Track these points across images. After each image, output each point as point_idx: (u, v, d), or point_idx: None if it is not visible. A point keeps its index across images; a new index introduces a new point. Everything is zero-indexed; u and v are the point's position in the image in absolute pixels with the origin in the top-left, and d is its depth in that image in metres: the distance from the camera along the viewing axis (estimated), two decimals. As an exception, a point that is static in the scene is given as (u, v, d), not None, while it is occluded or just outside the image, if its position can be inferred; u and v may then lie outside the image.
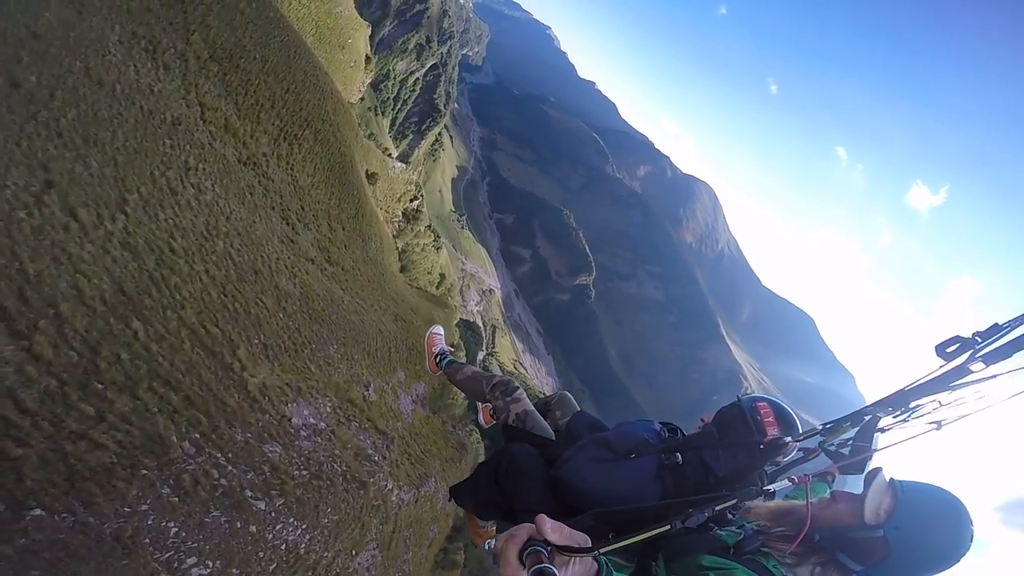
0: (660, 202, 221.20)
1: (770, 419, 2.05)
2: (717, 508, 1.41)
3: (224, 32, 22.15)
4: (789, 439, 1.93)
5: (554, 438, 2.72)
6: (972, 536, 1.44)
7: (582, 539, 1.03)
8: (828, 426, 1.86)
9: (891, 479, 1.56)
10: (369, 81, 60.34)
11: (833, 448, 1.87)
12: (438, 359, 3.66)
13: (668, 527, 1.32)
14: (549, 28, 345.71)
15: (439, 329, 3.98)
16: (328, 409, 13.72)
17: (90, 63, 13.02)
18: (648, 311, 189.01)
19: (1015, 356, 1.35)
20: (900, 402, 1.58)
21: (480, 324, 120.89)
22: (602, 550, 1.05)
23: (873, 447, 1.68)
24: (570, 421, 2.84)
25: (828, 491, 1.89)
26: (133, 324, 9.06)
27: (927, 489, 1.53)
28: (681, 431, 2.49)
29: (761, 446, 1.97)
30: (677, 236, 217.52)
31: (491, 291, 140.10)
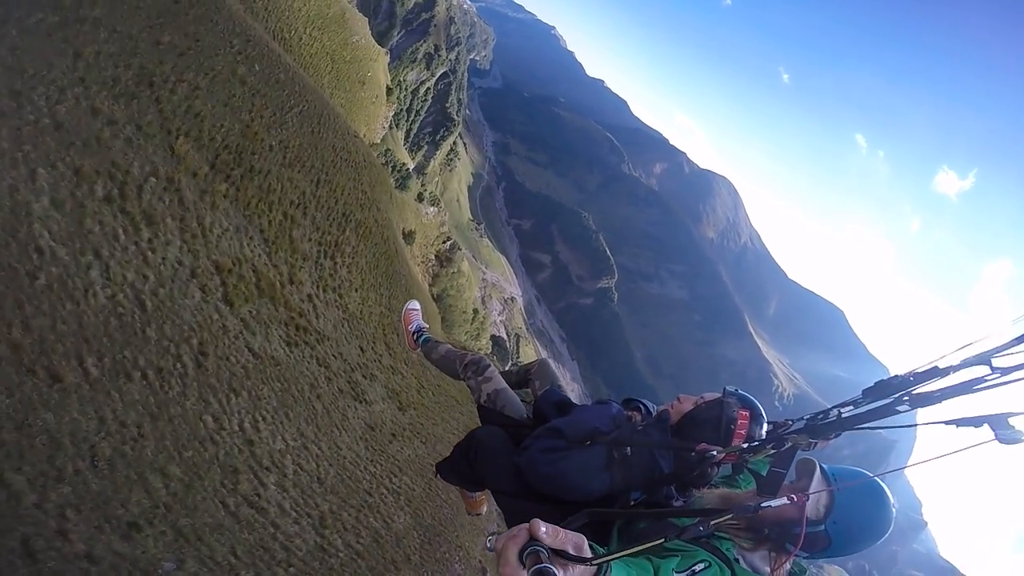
0: (679, 199, 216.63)
1: (742, 432, 2.08)
2: (714, 522, 1.48)
3: (222, 120, 15.80)
4: (715, 453, 2.00)
5: (527, 415, 2.69)
6: (894, 515, 1.69)
7: (577, 541, 1.04)
8: (753, 445, 1.93)
9: (822, 471, 1.72)
10: (392, 114, 58.51)
11: (754, 466, 1.98)
12: (416, 336, 3.54)
13: (663, 540, 1.36)
14: (554, 28, 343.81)
15: (416, 304, 3.82)
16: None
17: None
18: (673, 311, 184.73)
19: (945, 403, 1.38)
20: (820, 433, 1.67)
21: (504, 335, 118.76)
22: (596, 561, 1.06)
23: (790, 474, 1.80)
24: (539, 400, 2.74)
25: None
26: None
27: (852, 477, 1.72)
28: (645, 406, 2.52)
29: (693, 453, 2.03)
30: (698, 233, 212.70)
31: (512, 299, 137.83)
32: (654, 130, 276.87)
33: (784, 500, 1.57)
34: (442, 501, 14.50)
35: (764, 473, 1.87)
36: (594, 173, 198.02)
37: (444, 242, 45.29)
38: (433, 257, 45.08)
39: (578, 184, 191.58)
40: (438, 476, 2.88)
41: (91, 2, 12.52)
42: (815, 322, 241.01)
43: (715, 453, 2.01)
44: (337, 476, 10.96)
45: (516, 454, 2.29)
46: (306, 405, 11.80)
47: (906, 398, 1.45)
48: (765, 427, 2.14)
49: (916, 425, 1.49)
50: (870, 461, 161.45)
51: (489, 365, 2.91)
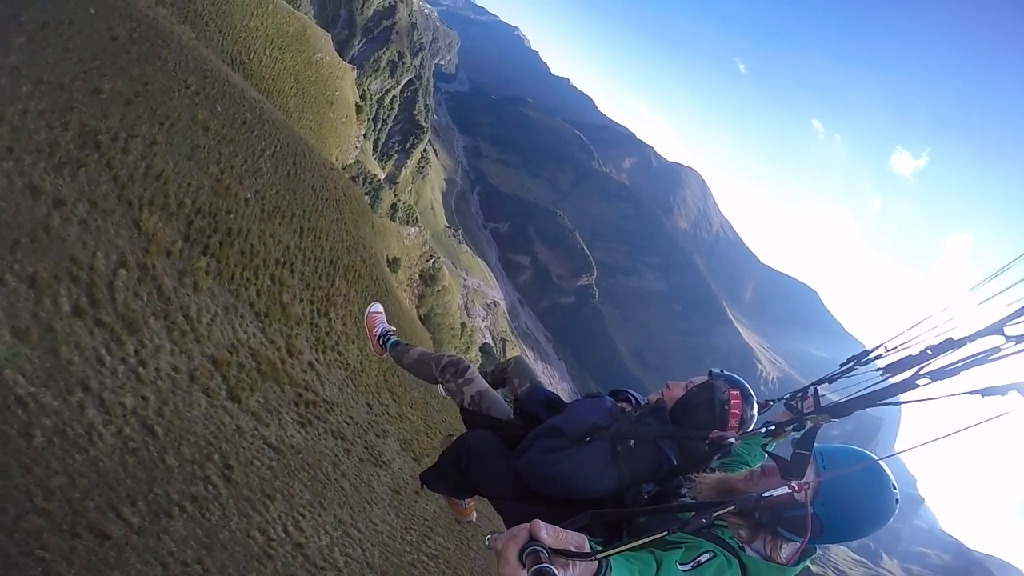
0: (649, 192, 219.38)
1: (736, 411, 2.07)
2: (716, 514, 1.42)
3: (188, 177, 13.79)
4: (732, 439, 1.99)
5: (512, 415, 2.59)
6: (896, 498, 1.56)
7: (578, 540, 1.03)
8: (772, 428, 1.91)
9: (812, 452, 1.64)
10: (363, 132, 56.69)
11: (773, 450, 1.87)
12: (381, 341, 3.34)
13: (665, 532, 1.34)
14: (517, 28, 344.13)
15: (378, 307, 3.63)
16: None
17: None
18: (653, 303, 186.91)
19: (964, 375, 1.35)
20: (840, 412, 1.65)
21: (490, 340, 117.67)
22: (599, 555, 1.06)
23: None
24: (525, 399, 2.64)
25: (765, 457, 1.85)
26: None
27: (846, 457, 1.61)
28: (635, 398, 2.44)
29: (707, 441, 2.01)
30: (671, 224, 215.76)
31: (495, 303, 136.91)
32: (621, 125, 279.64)
33: (784, 489, 1.51)
34: (474, 554, 13.80)
35: (758, 459, 1.89)
36: (566, 171, 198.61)
37: (427, 260, 44.10)
38: (417, 277, 43.83)
39: (551, 183, 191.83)
40: (423, 487, 2.72)
41: (2, 47, 10.80)
42: (791, 304, 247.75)
43: (732, 440, 1.98)
44: (382, 555, 10.04)
45: (513, 457, 2.23)
46: (335, 488, 10.71)
47: (924, 372, 1.44)
48: (756, 406, 2.14)
49: (940, 398, 1.43)
50: (858, 439, 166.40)
51: (469, 366, 2.77)
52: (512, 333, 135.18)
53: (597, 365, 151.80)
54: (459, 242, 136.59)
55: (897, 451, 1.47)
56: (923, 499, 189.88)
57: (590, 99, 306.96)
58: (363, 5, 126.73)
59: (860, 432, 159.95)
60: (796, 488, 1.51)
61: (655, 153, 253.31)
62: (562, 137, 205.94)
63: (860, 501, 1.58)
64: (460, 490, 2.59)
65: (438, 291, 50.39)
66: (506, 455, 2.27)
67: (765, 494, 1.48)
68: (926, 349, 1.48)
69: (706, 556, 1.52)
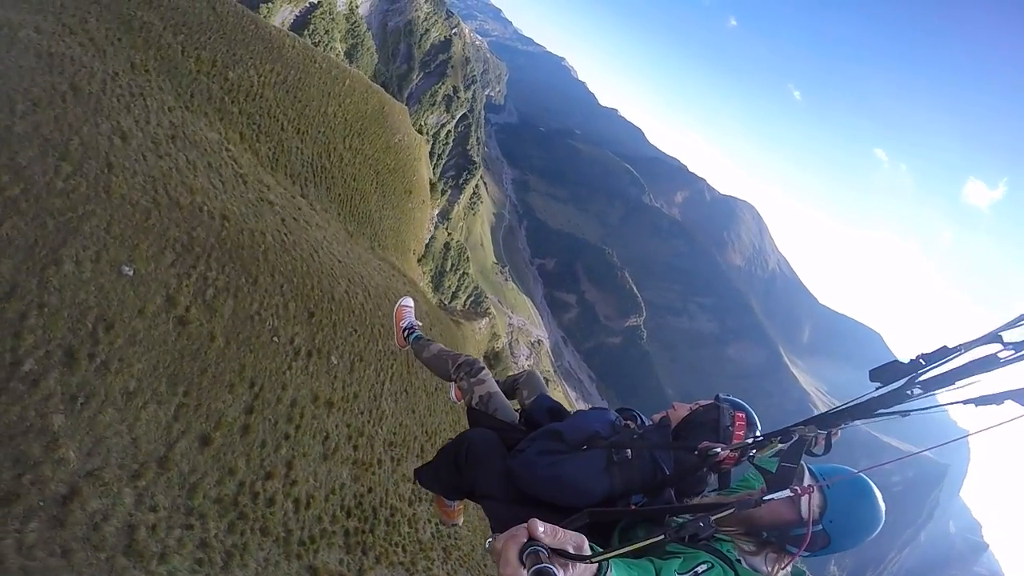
0: (702, 227, 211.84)
1: (740, 433, 2.08)
2: (714, 518, 1.46)
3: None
4: (719, 449, 1.97)
5: (518, 421, 2.64)
6: (883, 508, 1.71)
7: (577, 540, 1.03)
8: (759, 440, 1.89)
9: (810, 472, 1.72)
10: (438, 211, 55.78)
11: (760, 461, 1.91)
12: (406, 333, 3.52)
13: (663, 536, 1.36)
14: (564, 59, 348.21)
15: (409, 301, 3.79)
16: None
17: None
18: (704, 345, 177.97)
19: (957, 385, 1.33)
20: (828, 423, 1.63)
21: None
22: (596, 559, 1.06)
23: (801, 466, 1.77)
24: (531, 406, 2.71)
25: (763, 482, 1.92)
26: None
27: (840, 474, 1.72)
28: (640, 417, 2.47)
29: (696, 452, 2.00)
30: (724, 262, 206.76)
31: (539, 342, 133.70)
32: (672, 157, 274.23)
33: (787, 492, 1.55)
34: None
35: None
36: (615, 206, 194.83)
37: (490, 341, 42.08)
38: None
39: (600, 218, 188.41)
40: (417, 483, 2.70)
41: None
42: (852, 347, 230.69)
43: (719, 451, 1.97)
44: None
45: (510, 457, 2.20)
46: None
47: (918, 382, 1.42)
48: (759, 432, 2.12)
49: (931, 409, 1.43)
50: (922, 486, 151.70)
51: (483, 368, 2.85)
52: (555, 372, 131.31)
53: (641, 407, 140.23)
54: (506, 279, 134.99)
55: (870, 465, 1.57)
56: (987, 545, 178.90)
57: (639, 130, 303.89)
58: (420, 39, 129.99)
59: (923, 479, 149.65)
60: (800, 492, 1.56)
61: (708, 186, 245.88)
62: (611, 170, 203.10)
63: (857, 511, 1.69)
64: (453, 489, 2.56)
65: (502, 369, 48.08)
66: (504, 455, 2.26)
67: (766, 498, 1.51)
68: (918, 358, 1.45)
69: (704, 567, 1.54)
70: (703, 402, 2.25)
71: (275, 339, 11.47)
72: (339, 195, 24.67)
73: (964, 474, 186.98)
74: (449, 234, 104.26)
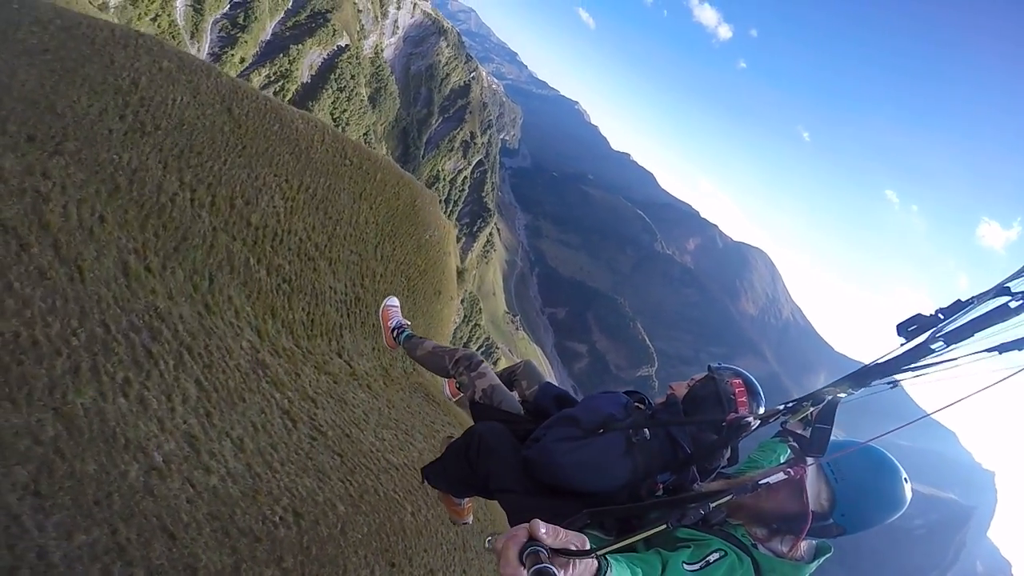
0: (715, 275, 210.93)
1: (742, 399, 2.07)
2: (713, 505, 1.44)
3: None
4: (751, 420, 1.95)
5: (522, 412, 2.59)
6: (909, 488, 1.61)
7: (579, 540, 1.03)
8: (790, 405, 1.88)
9: (818, 464, 1.65)
10: (462, 297, 55.44)
11: (794, 428, 1.90)
12: (395, 333, 3.44)
13: (665, 526, 1.36)
14: (577, 103, 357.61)
15: (394, 301, 3.76)
16: None
17: None
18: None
19: (977, 336, 1.37)
20: (860, 382, 1.61)
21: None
22: (598, 552, 1.05)
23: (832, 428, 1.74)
24: (538, 395, 2.67)
25: (784, 455, 1.93)
26: None
27: (856, 459, 1.62)
28: (649, 401, 2.43)
29: (724, 424, 1.97)
30: (737, 310, 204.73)
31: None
32: (684, 203, 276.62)
33: (780, 475, 1.53)
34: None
35: (764, 464, 1.93)
36: (627, 253, 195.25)
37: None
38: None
39: (611, 266, 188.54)
40: (424, 483, 2.67)
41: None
42: (870, 397, 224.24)
43: (750, 420, 1.93)
44: None
45: (525, 447, 2.16)
46: None
47: (940, 335, 1.44)
48: (761, 395, 2.11)
49: (956, 361, 1.42)
50: (946, 529, 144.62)
51: (482, 361, 2.79)
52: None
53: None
54: (517, 328, 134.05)
55: (876, 435, 1.49)
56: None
57: (651, 175, 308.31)
58: (441, 84, 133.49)
59: (947, 522, 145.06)
60: (793, 473, 1.54)
61: (720, 233, 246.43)
62: (623, 216, 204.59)
63: (878, 499, 1.59)
64: (464, 485, 2.51)
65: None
66: (517, 447, 2.20)
67: (761, 482, 1.51)
68: (937, 312, 1.47)
69: (716, 555, 1.50)
70: (697, 376, 2.23)
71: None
72: (373, 325, 23.83)
73: (992, 514, 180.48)
74: (462, 285, 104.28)
